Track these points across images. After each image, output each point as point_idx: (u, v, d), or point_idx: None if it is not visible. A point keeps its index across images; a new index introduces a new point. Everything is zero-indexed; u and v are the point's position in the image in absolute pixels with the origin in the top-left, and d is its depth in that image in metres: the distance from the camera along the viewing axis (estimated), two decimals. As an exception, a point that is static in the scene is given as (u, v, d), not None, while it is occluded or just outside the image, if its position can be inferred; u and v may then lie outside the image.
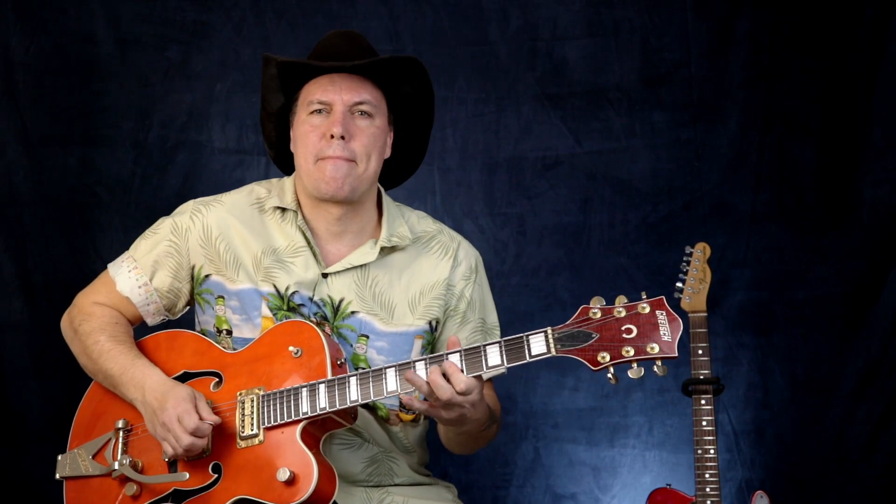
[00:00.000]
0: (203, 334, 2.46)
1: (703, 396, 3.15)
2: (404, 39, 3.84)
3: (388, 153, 2.51)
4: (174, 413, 2.24)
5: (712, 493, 3.13)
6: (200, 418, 2.24)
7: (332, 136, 2.38)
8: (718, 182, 3.83)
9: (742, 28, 3.82)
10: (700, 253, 3.25)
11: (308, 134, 2.42)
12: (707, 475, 3.14)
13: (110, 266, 2.53)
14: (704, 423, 3.15)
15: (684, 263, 3.24)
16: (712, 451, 3.14)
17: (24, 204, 3.75)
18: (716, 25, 3.83)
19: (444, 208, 3.83)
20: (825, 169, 3.79)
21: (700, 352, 3.16)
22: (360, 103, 2.42)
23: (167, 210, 2.57)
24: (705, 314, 3.19)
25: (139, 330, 2.53)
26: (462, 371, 2.14)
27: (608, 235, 3.85)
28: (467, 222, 3.84)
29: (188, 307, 2.56)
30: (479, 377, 2.17)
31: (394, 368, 2.21)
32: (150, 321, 2.53)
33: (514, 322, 3.69)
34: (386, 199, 2.55)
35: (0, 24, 3.73)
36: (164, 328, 2.52)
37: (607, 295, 3.66)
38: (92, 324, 2.46)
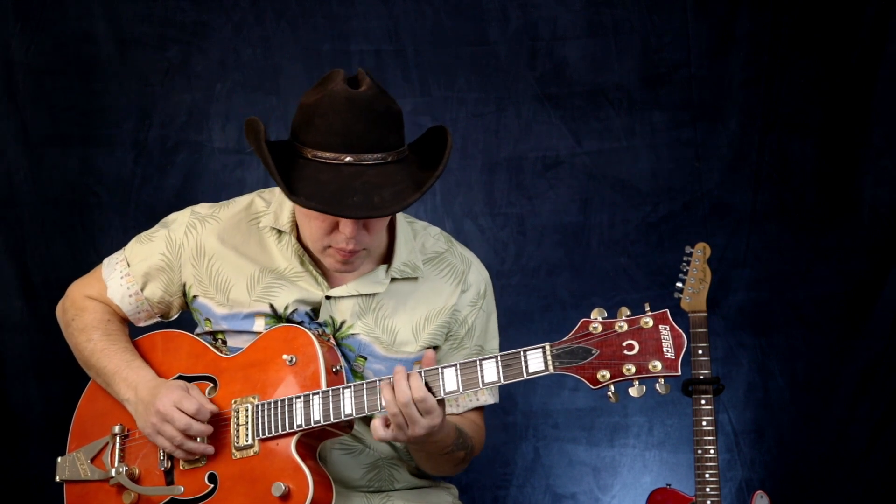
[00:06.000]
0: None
1: (703, 396, 3.16)
2: (404, 39, 3.84)
3: None
4: (169, 400, 2.20)
5: (712, 493, 3.13)
6: None
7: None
8: (718, 182, 3.82)
9: (742, 28, 3.81)
10: (700, 253, 3.25)
11: (312, 221, 2.23)
12: (707, 475, 3.14)
13: (105, 264, 2.48)
14: (704, 423, 3.15)
15: (684, 263, 3.25)
16: (712, 451, 3.14)
17: (24, 204, 3.73)
18: (716, 25, 3.82)
19: (444, 208, 3.83)
20: (825, 169, 3.78)
21: (700, 352, 3.16)
22: None
23: (167, 210, 2.55)
24: (705, 314, 3.19)
25: (137, 328, 2.52)
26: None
27: (608, 235, 3.84)
28: (467, 222, 3.84)
29: (182, 310, 2.51)
30: (441, 402, 2.11)
31: (389, 381, 2.13)
32: (141, 324, 2.50)
33: (513, 322, 3.69)
34: (399, 219, 2.38)
35: (0, 24, 3.72)
36: (162, 327, 2.51)
37: (607, 295, 3.68)
38: (85, 319, 2.43)
